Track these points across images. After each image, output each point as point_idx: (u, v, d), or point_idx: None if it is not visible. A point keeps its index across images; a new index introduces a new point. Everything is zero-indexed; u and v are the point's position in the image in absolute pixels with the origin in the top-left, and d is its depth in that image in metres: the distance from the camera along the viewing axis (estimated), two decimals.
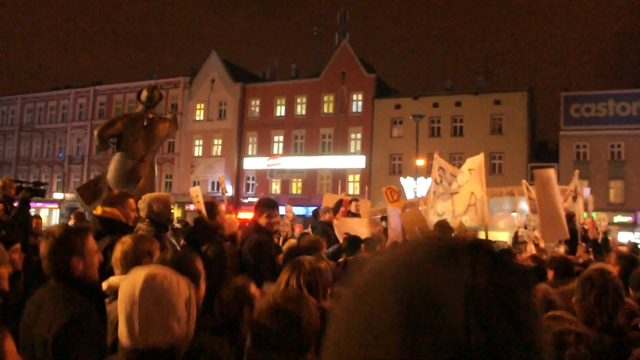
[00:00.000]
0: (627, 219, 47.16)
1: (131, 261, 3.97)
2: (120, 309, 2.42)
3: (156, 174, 11.21)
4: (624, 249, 14.23)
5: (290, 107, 58.32)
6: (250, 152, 59.36)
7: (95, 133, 10.42)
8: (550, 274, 6.53)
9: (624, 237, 40.65)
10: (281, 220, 10.69)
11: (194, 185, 56.18)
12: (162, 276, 2.48)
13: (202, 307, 3.72)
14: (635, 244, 10.65)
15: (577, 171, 15.68)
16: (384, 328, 0.64)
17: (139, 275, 2.47)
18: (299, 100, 58.03)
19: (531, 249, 13.75)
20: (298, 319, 2.75)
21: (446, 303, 0.62)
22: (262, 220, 6.72)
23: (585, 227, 13.71)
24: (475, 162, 14.07)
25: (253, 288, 4.13)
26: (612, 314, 3.47)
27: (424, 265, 0.66)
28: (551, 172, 10.99)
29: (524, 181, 16.54)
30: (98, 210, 6.10)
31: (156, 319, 2.35)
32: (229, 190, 53.80)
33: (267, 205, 6.97)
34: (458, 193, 13.95)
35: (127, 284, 2.46)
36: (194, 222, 6.99)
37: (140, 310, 2.34)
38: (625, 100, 49.43)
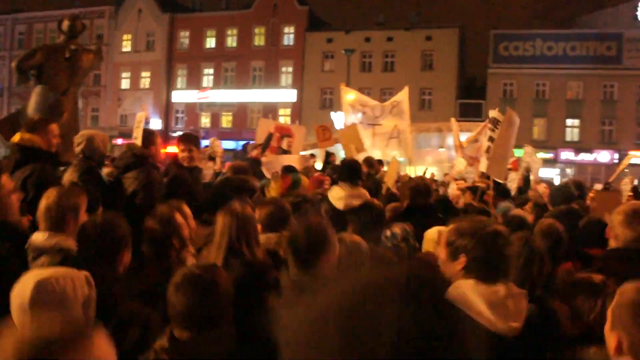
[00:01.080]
0: (549, 155, 48.76)
1: (55, 216, 3.81)
2: (13, 316, 2.32)
3: (80, 107, 10.86)
4: (542, 186, 14.71)
5: (220, 39, 57.00)
6: (179, 85, 58.06)
7: (13, 65, 9.94)
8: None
9: (546, 173, 42.19)
10: (207, 153, 10.57)
11: (121, 119, 54.88)
12: (54, 280, 2.38)
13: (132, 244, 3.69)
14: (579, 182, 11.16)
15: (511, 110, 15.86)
16: (325, 352, 0.73)
17: (28, 281, 2.36)
18: (229, 32, 56.74)
19: (453, 185, 14.12)
20: (215, 289, 2.73)
21: (377, 342, 0.70)
22: (181, 155, 6.65)
23: (509, 166, 14.08)
24: (400, 96, 14.27)
25: (179, 217, 4.08)
26: (535, 284, 3.48)
27: (365, 294, 0.75)
28: (516, 119, 11.23)
29: (452, 119, 16.78)
30: (16, 137, 5.80)
31: (47, 323, 2.28)
32: (157, 124, 52.87)
33: (186, 139, 6.85)
34: (381, 125, 14.13)
35: (17, 291, 2.35)
36: (126, 147, 6.80)
37: (32, 318, 2.22)
38: (552, 40, 50.43)
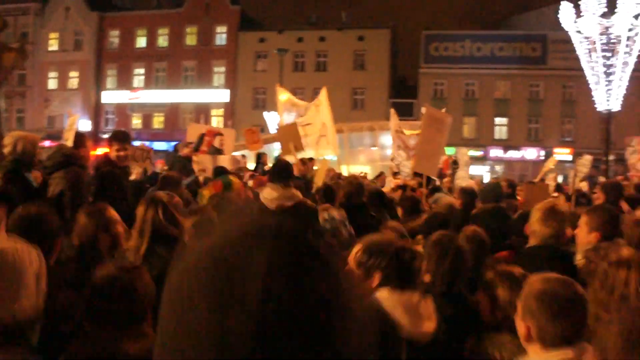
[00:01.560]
0: (478, 153, 49.92)
1: None
2: None
3: (4, 108, 10.50)
4: (473, 182, 15.03)
5: (151, 39, 56.07)
6: (109, 86, 56.81)
7: None
8: (400, 210, 6.85)
9: (476, 171, 43.14)
10: (137, 154, 10.42)
11: (49, 120, 53.35)
12: (11, 250, 2.36)
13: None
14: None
15: (444, 109, 16.07)
16: (198, 298, 0.76)
17: None
18: (160, 31, 55.88)
19: (390, 181, 14.30)
20: (133, 289, 2.70)
21: (249, 279, 0.75)
22: (112, 154, 6.58)
23: (440, 166, 14.35)
24: (322, 96, 14.47)
25: (110, 212, 4.03)
26: (452, 280, 3.55)
27: (235, 243, 0.79)
28: (444, 116, 11.42)
29: (392, 110, 16.86)
30: None
31: (3, 294, 2.24)
32: (87, 125, 51.68)
33: (117, 138, 6.78)
34: (310, 125, 14.27)
35: None
36: (55, 148, 6.68)
37: None
38: (480, 41, 51.64)
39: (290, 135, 11.84)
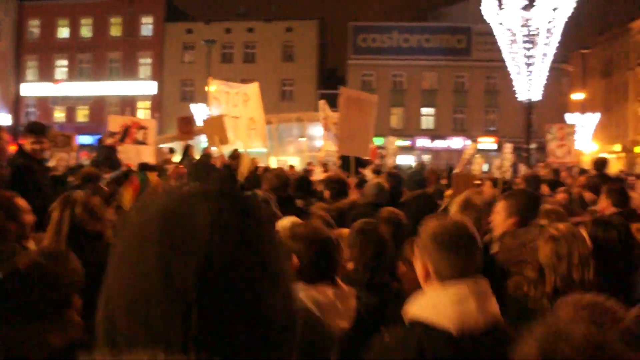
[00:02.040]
0: (406, 143, 50.71)
1: None
2: None
3: None
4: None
5: (74, 29, 54.42)
6: (29, 78, 54.85)
7: None
8: (327, 192, 6.88)
9: (404, 160, 43.79)
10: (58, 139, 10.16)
11: None
12: None
13: None
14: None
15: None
16: (148, 243, 0.83)
17: None
18: (83, 21, 54.31)
19: (319, 172, 14.37)
20: (54, 275, 2.63)
21: (196, 224, 0.83)
22: (27, 147, 6.37)
23: (368, 158, 14.49)
24: (252, 91, 14.37)
25: (18, 201, 3.90)
26: (374, 270, 3.57)
27: (182, 200, 0.87)
28: (364, 96, 11.46)
29: (322, 102, 16.86)
30: None
31: None
32: (6, 119, 49.82)
33: (32, 130, 6.56)
34: (239, 118, 14.19)
35: None
36: None
37: None
38: (407, 33, 52.37)
39: (215, 127, 11.71)
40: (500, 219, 4.35)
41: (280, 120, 22.76)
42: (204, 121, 12.61)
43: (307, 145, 22.78)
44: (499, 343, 2.22)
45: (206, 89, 15.66)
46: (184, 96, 51.28)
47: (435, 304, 2.30)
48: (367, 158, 12.28)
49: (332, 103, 26.02)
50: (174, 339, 0.79)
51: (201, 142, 18.58)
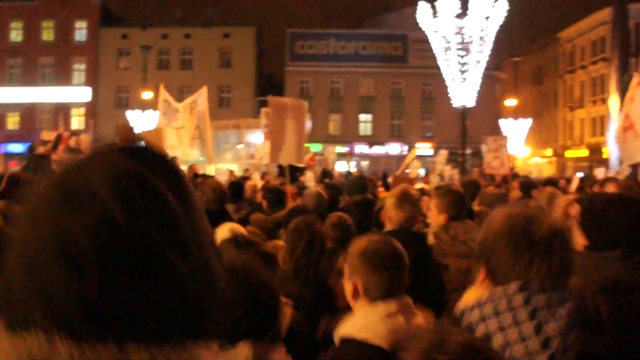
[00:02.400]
0: (344, 149, 51.05)
1: None
2: None
3: None
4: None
5: (3, 33, 52.70)
6: None
7: None
8: (264, 202, 6.88)
9: (343, 167, 44.04)
10: None
11: None
12: None
13: None
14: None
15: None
16: (43, 207, 0.80)
17: None
18: (13, 25, 52.69)
19: (256, 178, 14.32)
20: None
21: (92, 182, 0.79)
22: None
23: (304, 164, 14.53)
24: (197, 96, 14.25)
25: None
26: (309, 264, 3.62)
27: (79, 163, 0.84)
28: (292, 102, 11.44)
29: (264, 109, 16.84)
30: None
31: None
32: None
33: None
34: (184, 128, 14.07)
35: None
36: None
37: None
38: (344, 40, 52.83)
39: (154, 137, 11.54)
40: (433, 215, 4.71)
41: (217, 127, 22.53)
42: (142, 133, 12.41)
43: (245, 152, 22.67)
44: None
45: (160, 97, 15.37)
46: (120, 103, 50.41)
47: (366, 322, 2.34)
48: (302, 165, 12.28)
49: None
50: (70, 307, 0.74)
51: None
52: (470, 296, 1.86)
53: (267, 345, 1.85)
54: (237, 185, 7.79)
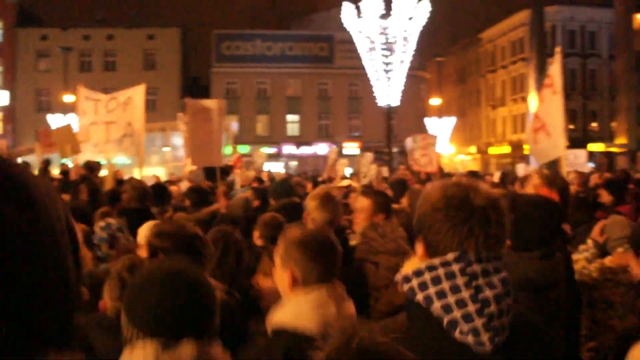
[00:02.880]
0: (272, 150, 51.05)
1: None
2: None
3: None
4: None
5: None
6: None
7: None
8: (187, 202, 6.83)
9: (271, 167, 43.99)
10: None
11: None
12: None
13: None
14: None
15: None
16: None
17: None
18: None
19: (183, 186, 14.12)
20: None
21: None
22: None
23: (230, 163, 14.44)
24: (135, 92, 13.92)
25: None
26: (235, 272, 3.63)
27: None
28: (208, 103, 11.30)
29: (179, 114, 16.64)
30: None
31: None
32: None
33: None
34: (115, 123, 13.69)
35: None
36: None
37: None
38: (270, 41, 52.77)
39: (65, 137, 11.23)
40: (360, 215, 4.74)
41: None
42: (53, 131, 12.07)
43: (171, 155, 22.38)
44: None
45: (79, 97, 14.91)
46: (40, 106, 48.87)
47: (298, 310, 2.35)
48: (223, 165, 12.13)
49: None
50: None
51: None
52: (409, 267, 1.88)
53: (208, 342, 1.87)
54: (160, 188, 7.68)
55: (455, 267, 1.75)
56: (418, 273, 1.79)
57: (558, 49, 9.73)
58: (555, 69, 9.43)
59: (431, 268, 1.78)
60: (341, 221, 4.57)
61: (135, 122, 13.83)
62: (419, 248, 1.89)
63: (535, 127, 8.92)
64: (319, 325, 2.30)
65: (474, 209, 1.80)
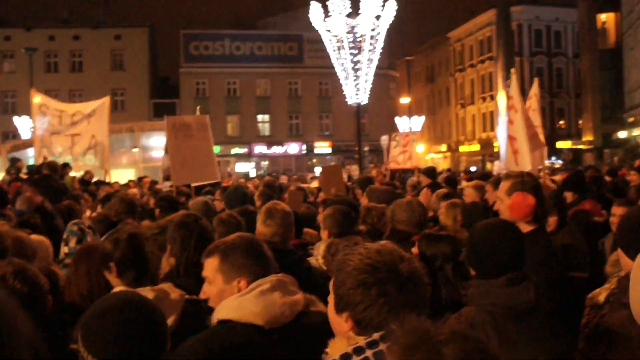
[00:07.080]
0: (243, 150, 50.95)
1: None
2: None
3: None
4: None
5: None
6: None
7: None
8: (157, 211, 6.74)
9: (243, 168, 43.91)
10: None
11: None
12: None
13: None
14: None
15: (198, 107, 15.56)
16: None
17: None
18: None
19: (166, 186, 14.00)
20: None
21: None
22: None
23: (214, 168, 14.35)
24: (99, 105, 13.84)
25: None
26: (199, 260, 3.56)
27: None
28: (191, 119, 10.84)
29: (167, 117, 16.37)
30: None
31: None
32: None
33: None
34: (79, 135, 13.65)
35: None
36: None
37: None
38: (239, 41, 52.58)
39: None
40: (323, 232, 4.86)
41: (111, 131, 21.92)
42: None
43: (141, 156, 22.17)
44: (306, 331, 2.33)
45: (33, 100, 14.73)
46: (5, 108, 48.10)
47: (240, 301, 2.33)
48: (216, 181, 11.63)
49: (166, 112, 25.56)
50: None
51: (28, 156, 17.57)
52: (335, 350, 1.85)
53: None
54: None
55: (383, 347, 1.70)
56: (345, 357, 1.77)
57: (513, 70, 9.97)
58: (513, 89, 9.55)
59: (358, 350, 1.75)
60: (292, 235, 4.40)
61: (99, 134, 13.81)
62: (345, 325, 1.84)
63: (514, 149, 8.96)
64: (262, 314, 2.28)
65: (404, 281, 1.79)
